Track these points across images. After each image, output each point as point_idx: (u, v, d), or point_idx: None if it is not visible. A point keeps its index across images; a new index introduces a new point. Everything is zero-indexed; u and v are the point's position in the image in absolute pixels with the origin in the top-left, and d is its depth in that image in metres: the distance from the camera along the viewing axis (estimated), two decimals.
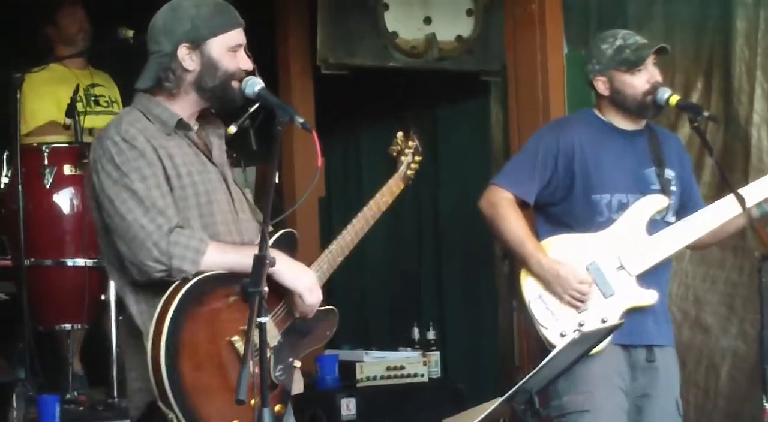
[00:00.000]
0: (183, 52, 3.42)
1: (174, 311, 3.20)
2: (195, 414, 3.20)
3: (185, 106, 3.46)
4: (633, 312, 4.25)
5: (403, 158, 3.95)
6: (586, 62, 4.43)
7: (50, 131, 5.87)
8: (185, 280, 3.26)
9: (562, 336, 4.20)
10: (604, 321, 4.21)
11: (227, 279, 3.30)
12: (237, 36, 3.48)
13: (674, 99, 4.31)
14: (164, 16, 3.45)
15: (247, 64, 3.48)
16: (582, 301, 4.23)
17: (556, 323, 4.25)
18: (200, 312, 3.26)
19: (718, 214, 4.33)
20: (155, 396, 3.20)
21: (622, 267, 4.28)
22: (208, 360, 3.26)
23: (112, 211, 3.31)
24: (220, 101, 3.49)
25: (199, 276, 3.27)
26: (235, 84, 3.45)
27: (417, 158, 3.98)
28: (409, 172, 3.95)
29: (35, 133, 5.88)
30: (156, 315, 3.21)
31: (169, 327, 3.18)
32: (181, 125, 3.45)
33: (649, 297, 4.28)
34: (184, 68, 3.43)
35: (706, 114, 4.33)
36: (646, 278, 4.29)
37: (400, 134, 3.99)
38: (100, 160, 3.34)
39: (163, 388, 3.17)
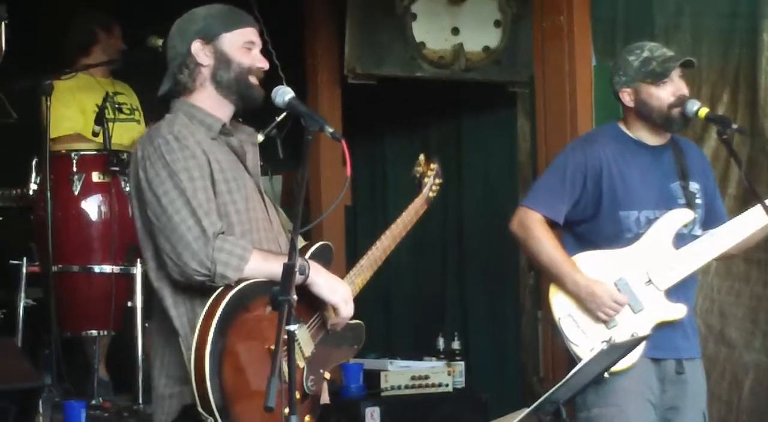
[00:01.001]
0: (196, 46, 3.47)
1: (220, 317, 3.20)
2: (234, 420, 3.20)
3: (215, 107, 3.48)
4: (662, 326, 4.25)
5: (426, 180, 4.03)
6: (613, 74, 4.42)
7: (75, 141, 5.89)
8: (229, 286, 3.27)
9: (592, 351, 4.20)
10: (633, 337, 4.20)
11: (268, 287, 3.28)
12: (249, 33, 3.53)
13: (703, 111, 4.30)
14: (178, 23, 3.54)
15: (263, 62, 3.53)
16: (614, 319, 4.23)
17: (587, 340, 4.25)
18: (243, 319, 3.27)
19: (746, 226, 4.32)
20: (192, 401, 3.20)
21: (650, 282, 4.28)
22: (248, 367, 3.27)
23: (159, 209, 3.32)
24: (240, 98, 3.51)
25: (244, 284, 3.28)
26: (252, 80, 3.49)
27: (437, 181, 4.06)
28: (431, 194, 4.02)
29: (59, 141, 5.91)
30: (201, 319, 3.22)
31: (214, 333, 3.18)
32: (224, 130, 3.48)
33: (678, 311, 4.28)
34: (198, 63, 3.47)
35: (734, 126, 4.33)
36: (674, 292, 4.29)
37: (421, 157, 4.06)
38: (150, 157, 3.35)
39: (206, 393, 3.17)
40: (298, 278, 3.24)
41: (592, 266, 4.30)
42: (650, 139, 4.39)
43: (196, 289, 3.30)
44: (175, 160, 3.33)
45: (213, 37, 3.48)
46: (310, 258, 3.44)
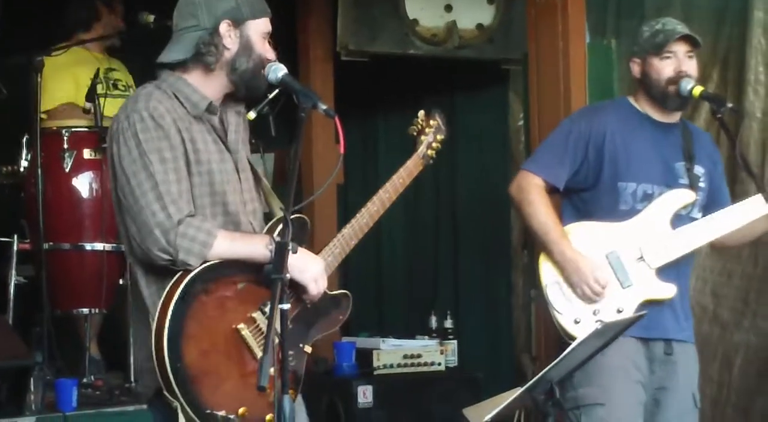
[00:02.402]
0: (225, 27, 3.41)
1: (177, 300, 3.20)
2: (200, 402, 3.20)
3: (214, 88, 3.45)
4: (651, 306, 4.23)
5: (423, 137, 3.90)
6: (631, 46, 4.44)
7: (68, 112, 5.87)
8: (188, 270, 3.26)
9: (576, 322, 4.21)
10: (619, 311, 4.21)
11: (232, 267, 3.31)
12: (268, 25, 3.49)
13: (698, 90, 4.28)
14: None
15: (272, 54, 3.48)
16: (596, 296, 4.22)
17: (572, 309, 4.24)
18: (205, 300, 3.27)
19: (744, 214, 4.32)
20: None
21: (642, 258, 4.27)
22: (213, 348, 3.26)
23: (128, 189, 3.30)
24: (246, 87, 3.47)
25: (204, 265, 3.27)
26: (263, 70, 3.44)
27: (439, 137, 3.93)
28: (429, 152, 3.90)
29: (53, 114, 5.88)
30: (159, 304, 3.23)
31: (171, 318, 3.18)
32: (211, 108, 3.44)
33: (667, 290, 4.27)
34: (225, 46, 3.42)
35: (729, 105, 4.32)
36: (666, 272, 4.28)
37: (421, 113, 3.94)
38: (125, 132, 3.32)
39: (167, 378, 3.18)
40: (267, 256, 3.23)
41: (586, 237, 4.29)
42: (658, 115, 4.38)
43: (166, 269, 3.29)
44: (148, 140, 3.30)
45: (241, 22, 3.42)
46: (279, 233, 3.39)
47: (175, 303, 3.20)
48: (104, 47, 6.25)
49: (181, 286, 3.22)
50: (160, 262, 3.27)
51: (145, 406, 3.48)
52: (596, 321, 4.12)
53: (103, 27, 6.16)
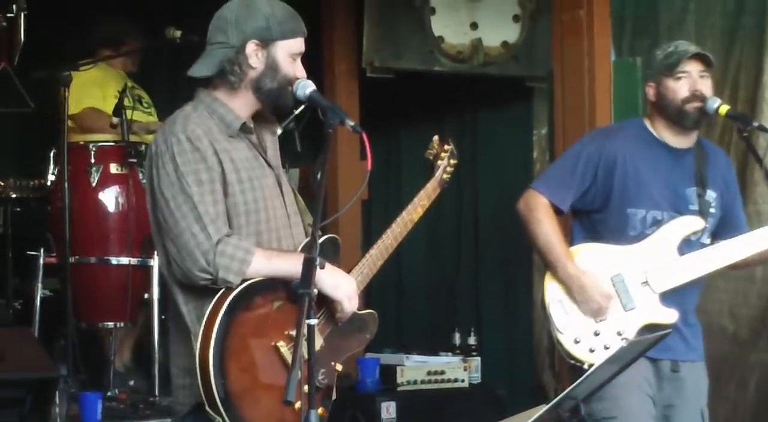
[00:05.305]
0: (251, 48, 3.41)
1: (222, 317, 3.23)
2: (241, 418, 3.23)
3: (242, 106, 3.46)
4: (652, 329, 4.19)
5: (439, 162, 3.95)
6: (644, 70, 4.44)
7: (93, 118, 5.89)
8: (231, 287, 3.29)
9: (576, 342, 4.23)
10: (619, 334, 4.23)
11: (274, 285, 3.34)
12: (300, 44, 3.49)
13: (724, 108, 4.29)
14: (237, 9, 3.44)
15: (303, 73, 3.48)
16: (597, 314, 4.23)
17: (573, 329, 4.26)
18: (247, 317, 3.30)
19: (754, 243, 4.31)
20: (202, 400, 3.23)
21: (646, 283, 4.27)
22: (253, 365, 3.29)
23: (167, 212, 3.33)
24: (273, 105, 3.49)
25: (247, 283, 3.30)
26: (290, 89, 3.45)
27: (452, 161, 3.98)
28: (445, 176, 3.95)
29: (78, 119, 5.92)
30: (204, 321, 3.25)
31: (217, 334, 3.21)
32: (244, 128, 3.46)
33: (669, 316, 4.26)
34: (250, 65, 3.42)
35: (755, 124, 4.33)
36: (671, 297, 4.28)
37: (435, 138, 3.99)
38: (162, 156, 3.35)
39: (212, 395, 3.20)
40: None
41: (593, 258, 4.30)
42: (672, 140, 4.37)
43: (204, 287, 3.32)
44: (186, 163, 3.32)
45: (269, 42, 3.42)
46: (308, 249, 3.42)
47: (221, 320, 3.23)
48: (124, 69, 6.32)
49: (226, 303, 3.25)
50: (200, 282, 3.29)
51: (168, 420, 3.50)
52: (604, 343, 4.19)
53: (127, 53, 6.25)
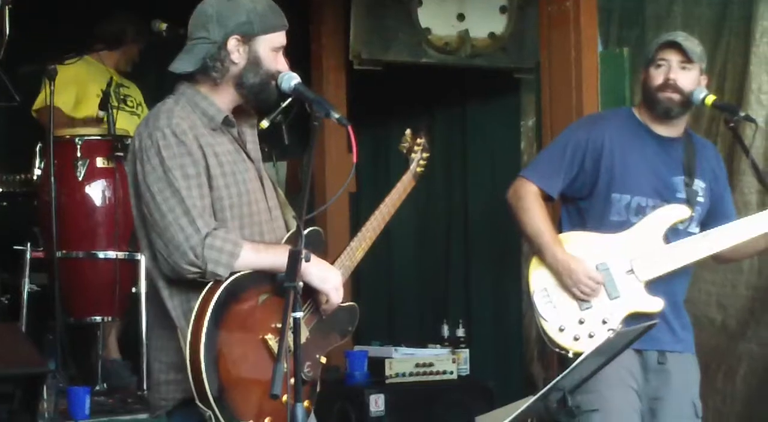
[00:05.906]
0: (233, 43, 3.40)
1: (212, 311, 3.22)
2: (232, 411, 3.22)
3: (224, 101, 3.45)
4: (638, 318, 4.21)
5: (413, 155, 3.96)
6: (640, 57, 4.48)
7: (46, 116, 5.85)
8: (220, 281, 3.28)
9: (561, 330, 4.25)
10: (604, 322, 4.24)
11: (261, 278, 3.33)
12: (282, 38, 3.48)
13: (710, 99, 4.30)
14: (218, 4, 3.43)
15: (285, 66, 3.47)
16: (588, 296, 4.24)
17: (557, 317, 4.28)
18: (235, 311, 3.29)
19: (743, 231, 4.31)
20: (191, 395, 3.22)
21: (632, 271, 4.28)
22: (242, 358, 3.28)
23: (153, 206, 3.32)
24: (255, 100, 3.48)
25: (235, 276, 3.30)
26: (272, 83, 3.44)
27: (425, 155, 3.99)
28: (418, 169, 3.96)
29: (37, 116, 5.91)
30: (194, 315, 3.24)
31: (207, 328, 3.20)
32: (227, 122, 3.45)
33: (654, 304, 4.27)
34: (232, 60, 3.41)
35: (742, 114, 4.34)
36: (657, 285, 4.29)
37: (408, 131, 4.00)
38: (147, 150, 3.33)
39: (204, 389, 3.19)
40: None
41: (578, 245, 4.32)
42: (659, 128, 4.38)
43: (189, 281, 3.31)
44: (172, 157, 3.31)
45: (251, 38, 3.41)
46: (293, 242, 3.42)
47: (211, 313, 3.22)
48: (116, 67, 6.31)
49: (215, 297, 3.24)
50: (188, 276, 3.28)
51: (157, 414, 3.49)
52: (589, 331, 4.20)
53: (123, 53, 6.26)
